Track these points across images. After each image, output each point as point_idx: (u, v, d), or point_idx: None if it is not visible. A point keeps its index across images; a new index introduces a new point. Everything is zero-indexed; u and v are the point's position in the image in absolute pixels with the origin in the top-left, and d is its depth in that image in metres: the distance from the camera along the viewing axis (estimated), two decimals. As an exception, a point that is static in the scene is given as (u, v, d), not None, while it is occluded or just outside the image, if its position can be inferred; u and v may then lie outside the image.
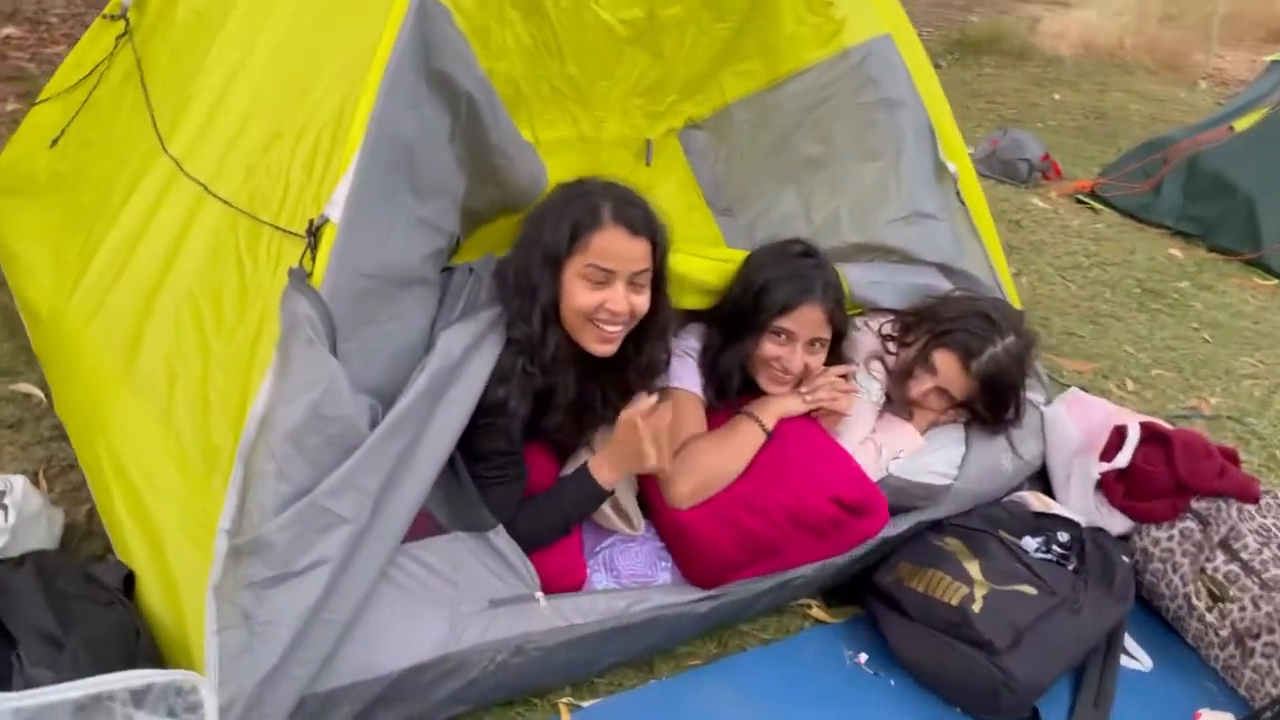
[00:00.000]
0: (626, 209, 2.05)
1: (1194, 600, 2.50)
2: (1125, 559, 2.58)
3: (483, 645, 1.94)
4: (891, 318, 2.61)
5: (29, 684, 1.67)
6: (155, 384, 2.08)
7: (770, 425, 2.31)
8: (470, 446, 2.01)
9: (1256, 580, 2.42)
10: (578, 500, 2.13)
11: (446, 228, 2.06)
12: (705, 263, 2.47)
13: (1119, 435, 2.69)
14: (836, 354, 2.51)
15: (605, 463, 2.13)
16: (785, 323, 2.35)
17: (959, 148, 2.86)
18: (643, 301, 2.10)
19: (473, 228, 2.28)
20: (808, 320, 2.36)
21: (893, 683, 2.32)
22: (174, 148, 2.46)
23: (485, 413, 1.99)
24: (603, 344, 2.09)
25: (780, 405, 2.35)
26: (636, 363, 2.20)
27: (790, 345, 2.37)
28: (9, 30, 4.75)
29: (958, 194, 2.79)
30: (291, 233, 1.97)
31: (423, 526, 1.95)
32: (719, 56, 2.69)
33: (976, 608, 2.27)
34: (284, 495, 1.74)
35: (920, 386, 2.53)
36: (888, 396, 2.62)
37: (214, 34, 2.64)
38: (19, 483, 2.12)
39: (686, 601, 2.20)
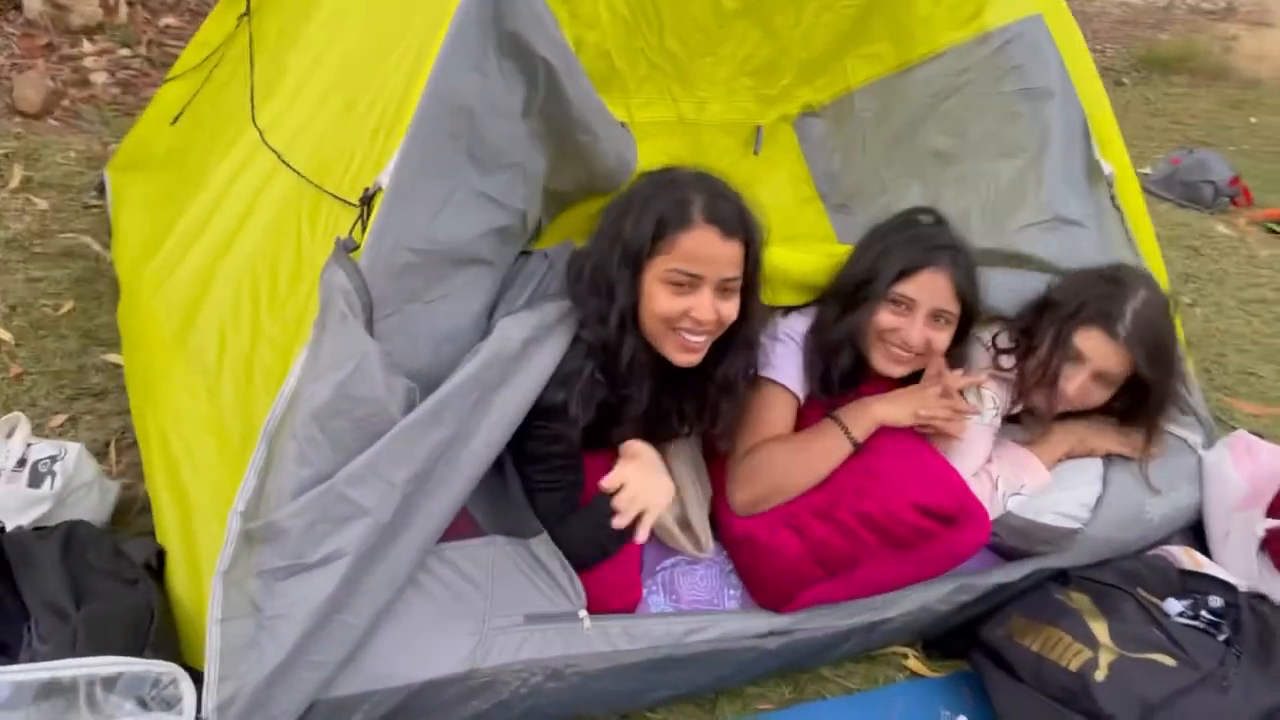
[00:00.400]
0: (720, 206, 1.81)
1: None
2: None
3: (515, 664, 1.75)
4: (1000, 328, 2.28)
5: (34, 658, 1.58)
6: (206, 355, 1.98)
7: (860, 436, 2.02)
8: (521, 446, 1.83)
9: None
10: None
11: (514, 205, 1.88)
12: (811, 257, 2.23)
13: (1291, 486, 2.30)
14: (957, 349, 2.21)
15: None
16: (906, 288, 2.06)
17: (1117, 146, 2.52)
18: (731, 309, 1.85)
19: (557, 211, 2.10)
20: (932, 287, 2.07)
21: (993, 751, 2.02)
22: (261, 120, 2.39)
23: (541, 415, 1.79)
24: (686, 353, 1.86)
25: (877, 413, 2.04)
26: (717, 375, 1.95)
27: (910, 315, 2.08)
28: (169, 20, 4.90)
29: (1112, 198, 2.45)
30: (348, 202, 1.84)
31: (459, 525, 1.77)
32: (842, 37, 2.44)
33: (1100, 675, 1.95)
34: (303, 480, 1.59)
35: (1074, 381, 2.15)
36: (1012, 418, 2.30)
37: (311, 12, 2.57)
38: (74, 450, 2.06)
39: (753, 635, 1.95)
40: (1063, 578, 2.21)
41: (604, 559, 1.89)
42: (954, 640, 2.20)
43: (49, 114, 4.07)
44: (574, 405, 1.78)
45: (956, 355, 2.19)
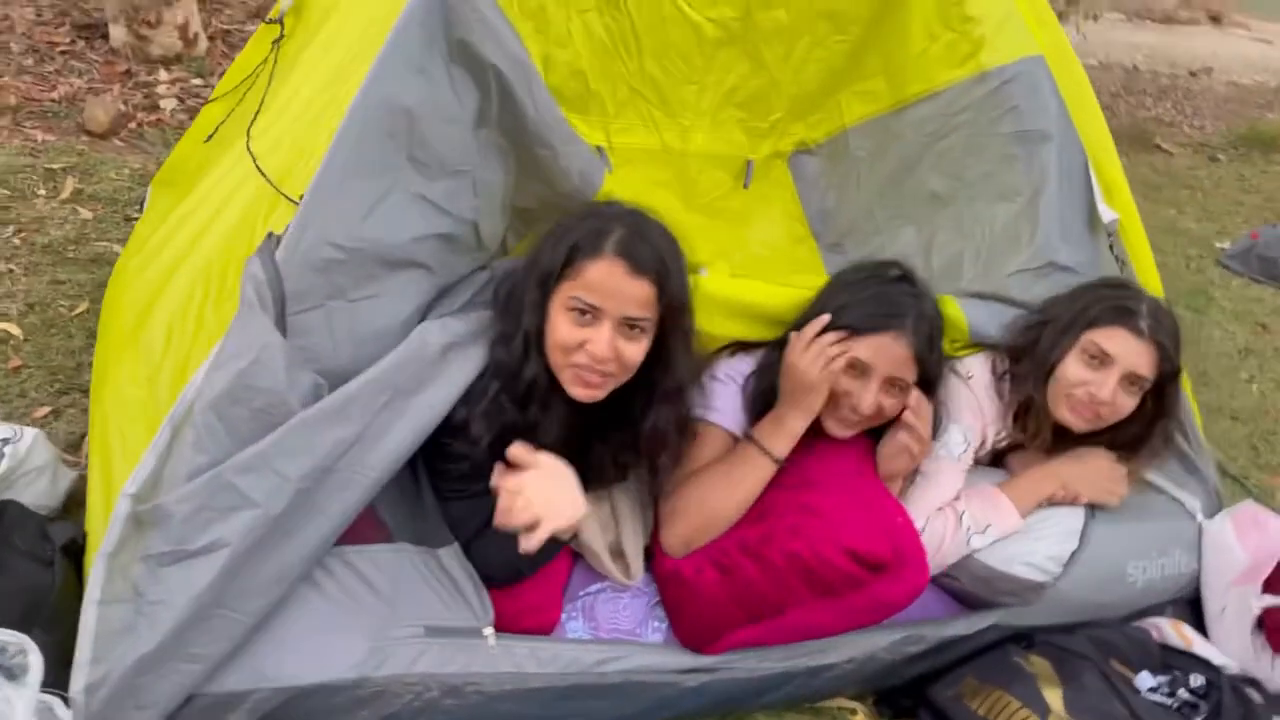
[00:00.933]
0: (636, 242, 1.75)
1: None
2: (1282, 723, 2.01)
3: (409, 676, 1.70)
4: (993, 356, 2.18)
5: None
6: (154, 347, 2.00)
7: (779, 452, 1.92)
8: (430, 457, 1.79)
9: None
10: None
11: (462, 214, 1.85)
12: (785, 291, 2.15)
13: (1290, 562, 2.12)
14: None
15: None
16: (863, 353, 1.97)
17: (1124, 194, 2.40)
18: (634, 351, 1.77)
19: (525, 229, 2.08)
20: (889, 354, 1.96)
21: (930, 819, 1.88)
22: (254, 131, 2.44)
23: (448, 431, 1.75)
24: (581, 388, 1.78)
25: (794, 426, 1.93)
26: (645, 426, 1.87)
27: (864, 380, 1.98)
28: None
29: (1111, 247, 2.33)
30: (291, 200, 1.85)
31: (366, 529, 1.74)
32: (836, 73, 2.41)
33: (1044, 746, 1.80)
34: (198, 466, 1.58)
35: (1105, 388, 2.03)
36: (1001, 454, 2.19)
37: (321, 31, 2.64)
38: (30, 435, 2.10)
39: (671, 669, 1.86)
40: (1027, 640, 2.06)
41: (519, 578, 1.83)
42: (906, 696, 2.07)
43: (115, 134, 4.25)
44: (476, 424, 1.73)
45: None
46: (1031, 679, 1.94)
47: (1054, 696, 1.90)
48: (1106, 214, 2.32)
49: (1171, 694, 1.98)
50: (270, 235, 1.74)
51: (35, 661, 1.42)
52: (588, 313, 1.73)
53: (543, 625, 1.87)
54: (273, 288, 1.64)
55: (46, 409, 2.52)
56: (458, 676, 1.73)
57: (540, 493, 1.67)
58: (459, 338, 1.75)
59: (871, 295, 2.01)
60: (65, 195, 3.66)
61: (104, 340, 2.39)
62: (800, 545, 1.82)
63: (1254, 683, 2.09)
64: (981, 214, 2.31)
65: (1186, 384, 2.49)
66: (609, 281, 1.72)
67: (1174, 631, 2.14)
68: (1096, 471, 2.15)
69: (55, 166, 3.86)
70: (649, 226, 1.79)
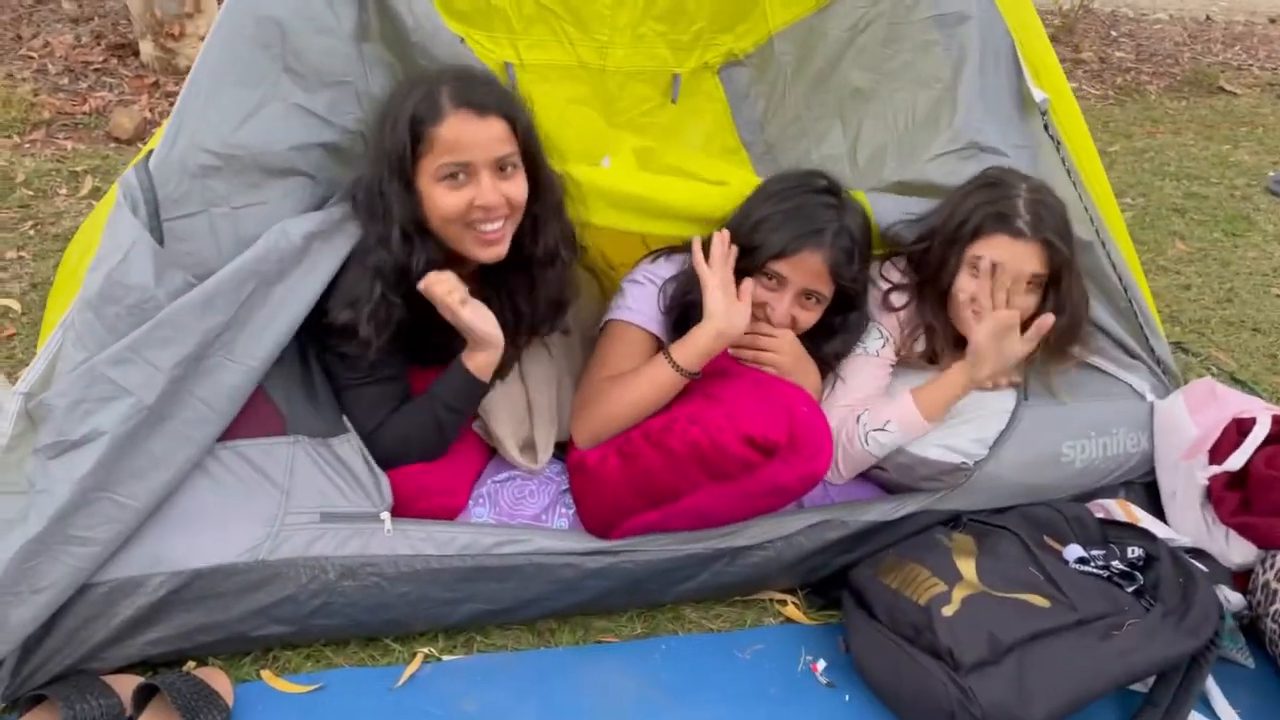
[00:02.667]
0: (469, 87, 1.76)
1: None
2: (1231, 596, 1.92)
3: (304, 559, 1.75)
4: (885, 262, 2.14)
5: None
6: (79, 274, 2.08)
7: (693, 368, 1.90)
8: (325, 354, 1.84)
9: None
10: (449, 393, 1.86)
11: (344, 125, 1.88)
12: (698, 187, 2.13)
13: (1238, 431, 2.02)
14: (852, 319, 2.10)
15: (472, 349, 1.86)
16: (780, 266, 1.96)
17: (1055, 75, 2.34)
18: (517, 187, 1.79)
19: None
20: (806, 268, 1.95)
21: (847, 698, 1.85)
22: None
23: (334, 334, 1.79)
24: (488, 248, 1.80)
25: (706, 344, 1.90)
26: (537, 252, 1.88)
27: (780, 292, 1.98)
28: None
29: (1046, 127, 2.26)
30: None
31: (264, 422, 1.80)
32: (759, -21, 2.40)
33: (948, 610, 1.76)
34: (78, 363, 1.66)
35: (1000, 291, 1.96)
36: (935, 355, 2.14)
37: None
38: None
39: (571, 551, 1.87)
40: (954, 521, 2.01)
41: (425, 459, 1.87)
42: (836, 588, 2.03)
43: (140, 139, 4.46)
44: (364, 327, 1.75)
45: (851, 322, 2.07)
46: (947, 551, 1.89)
47: (967, 566, 1.85)
48: (1037, 94, 2.25)
49: (1106, 566, 1.90)
50: (157, 147, 1.81)
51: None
52: (459, 173, 1.75)
53: (448, 509, 1.90)
54: (145, 192, 1.71)
55: (30, 368, 2.66)
56: (354, 559, 1.77)
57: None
58: (321, 226, 1.78)
59: (793, 208, 1.98)
60: (84, 192, 3.86)
61: (56, 284, 2.51)
62: (698, 432, 1.81)
63: (1200, 554, 1.99)
64: (903, 104, 2.27)
65: (1139, 271, 2.41)
66: (464, 134, 1.73)
67: (1121, 510, 2.06)
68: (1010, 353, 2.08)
69: (79, 169, 4.07)
70: (471, 71, 1.82)
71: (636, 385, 1.91)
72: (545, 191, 1.86)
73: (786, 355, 1.97)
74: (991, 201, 1.98)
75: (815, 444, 1.83)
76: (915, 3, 2.26)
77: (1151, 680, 1.83)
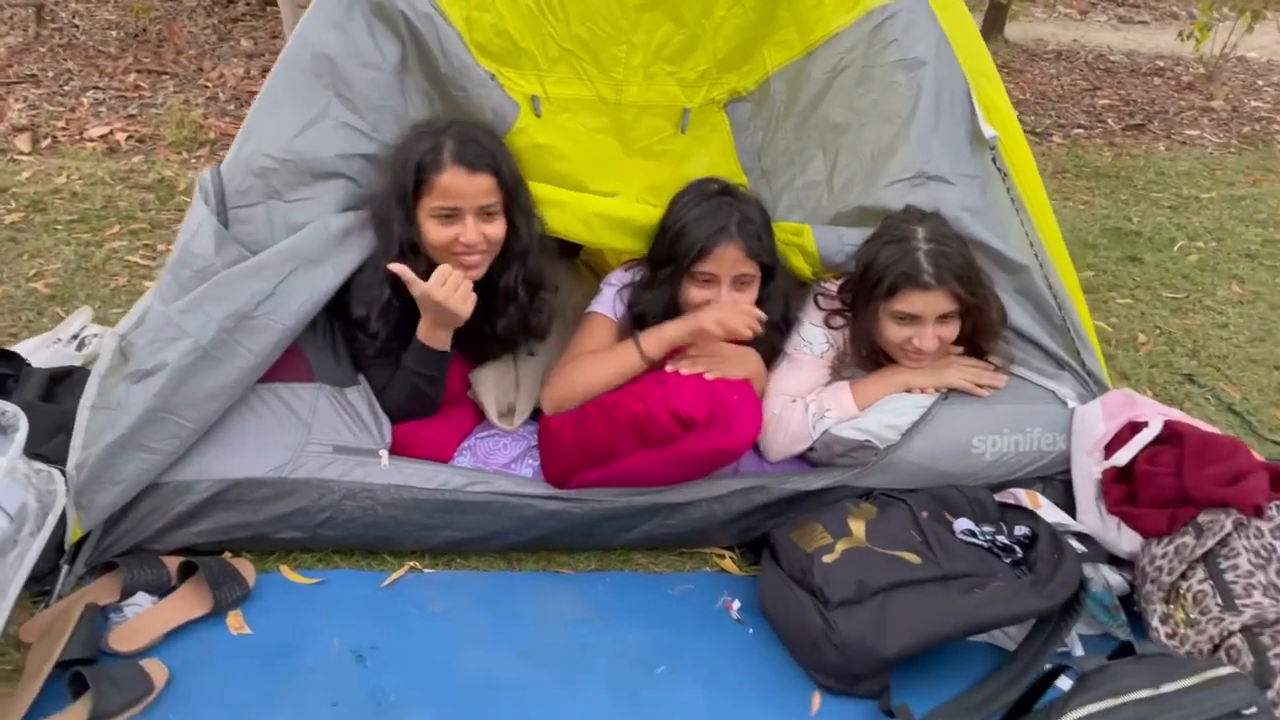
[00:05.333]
0: (466, 148, 2.21)
1: (1154, 623, 2.03)
2: (1112, 577, 2.18)
3: (316, 480, 2.22)
4: (823, 289, 2.50)
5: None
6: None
7: (654, 354, 2.28)
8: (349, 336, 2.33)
9: (1220, 604, 1.91)
10: (417, 363, 2.29)
11: (385, 141, 2.36)
12: (654, 210, 2.53)
13: (1131, 430, 2.26)
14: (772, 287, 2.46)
15: (424, 322, 2.27)
16: (705, 266, 2.34)
17: (1005, 115, 2.62)
18: (495, 229, 2.25)
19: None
20: (727, 260, 2.33)
21: (751, 631, 2.18)
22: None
23: (354, 324, 2.27)
24: (467, 271, 2.25)
25: (668, 333, 2.29)
26: (500, 285, 2.32)
27: (714, 287, 2.36)
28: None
29: (994, 159, 2.55)
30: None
31: (296, 371, 2.28)
32: (756, 28, 2.75)
33: (829, 558, 2.08)
34: (157, 312, 2.18)
35: (925, 340, 2.31)
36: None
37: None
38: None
39: (530, 494, 2.28)
40: (867, 493, 2.32)
41: (423, 414, 2.33)
42: (766, 546, 2.36)
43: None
44: (373, 323, 2.24)
45: (772, 291, 2.43)
46: (845, 513, 2.20)
47: (858, 526, 2.16)
48: (987, 130, 2.55)
49: (991, 540, 2.18)
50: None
51: (23, 425, 2.03)
52: (451, 215, 2.21)
53: (438, 457, 2.36)
54: (215, 186, 2.23)
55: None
56: (356, 484, 2.23)
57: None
58: (354, 224, 2.27)
59: (699, 215, 2.36)
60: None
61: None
62: (639, 406, 2.20)
63: (1085, 538, 2.23)
64: (871, 137, 2.60)
65: (1077, 291, 2.65)
66: (455, 185, 2.20)
67: (1028, 498, 2.32)
68: (945, 367, 2.41)
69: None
70: (473, 130, 2.27)
71: (603, 363, 2.31)
72: (513, 238, 2.30)
73: (727, 359, 2.32)
74: (898, 260, 2.28)
75: (730, 423, 2.18)
76: (884, 48, 2.59)
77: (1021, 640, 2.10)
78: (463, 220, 2.22)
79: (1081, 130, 6.90)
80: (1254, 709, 1.53)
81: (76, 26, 6.84)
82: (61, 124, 5.24)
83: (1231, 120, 7.54)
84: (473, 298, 2.24)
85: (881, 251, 2.30)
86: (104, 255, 3.82)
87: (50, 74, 5.92)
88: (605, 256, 2.85)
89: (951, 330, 2.33)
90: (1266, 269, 4.52)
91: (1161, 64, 9.22)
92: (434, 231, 2.22)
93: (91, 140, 5.07)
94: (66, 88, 5.74)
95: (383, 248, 2.25)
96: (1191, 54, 8.84)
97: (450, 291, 2.19)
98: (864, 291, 2.34)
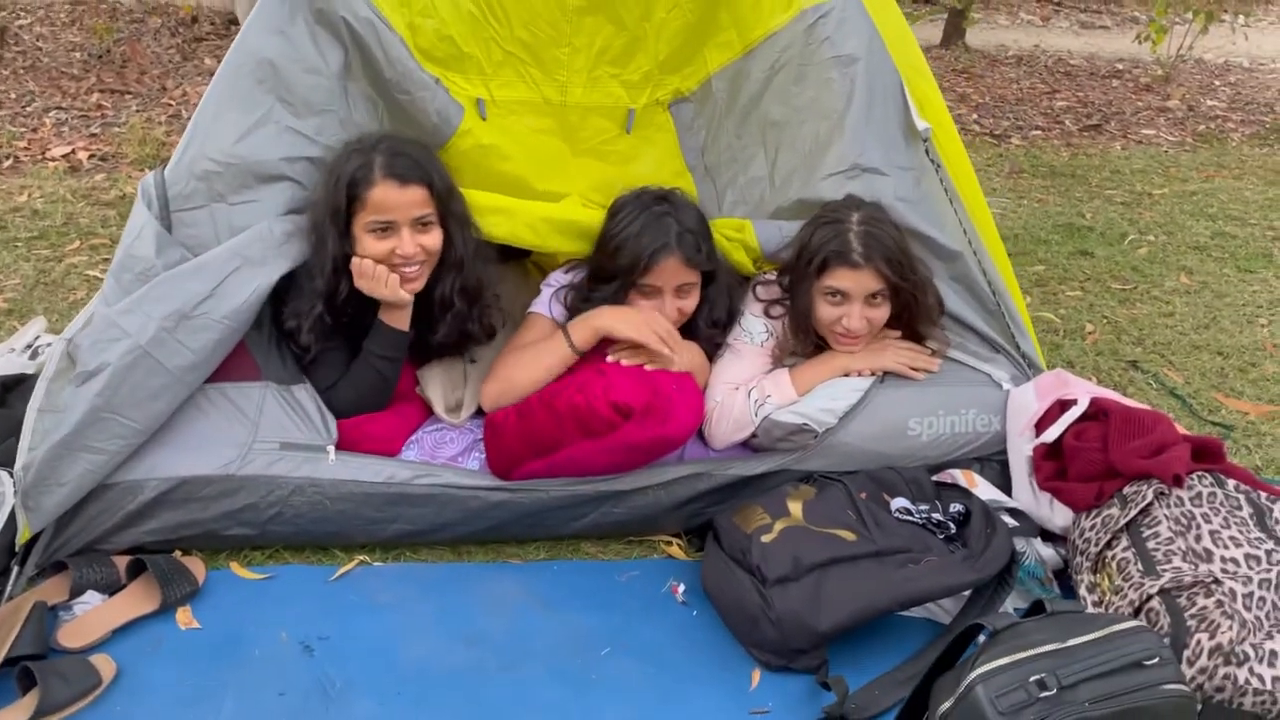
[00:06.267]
0: (396, 161, 2.26)
1: (1082, 592, 2.09)
2: (1044, 551, 2.23)
3: (264, 477, 2.25)
4: (761, 280, 2.57)
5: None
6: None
7: (579, 342, 2.35)
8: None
9: (1140, 570, 1.97)
10: (379, 346, 2.34)
11: (329, 144, 2.40)
12: (599, 213, 2.60)
13: (1060, 408, 2.32)
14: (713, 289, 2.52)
15: (385, 309, 2.34)
16: (649, 279, 2.39)
17: (935, 106, 2.69)
18: (431, 239, 2.30)
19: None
20: (669, 272, 2.39)
21: (695, 613, 2.23)
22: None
23: (286, 334, 2.32)
24: (406, 283, 2.31)
25: (599, 323, 2.35)
26: (435, 295, 2.36)
27: (660, 298, 2.41)
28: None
29: (927, 151, 2.62)
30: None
31: (245, 370, 2.32)
32: (696, 29, 2.82)
33: (767, 538, 2.13)
34: (101, 314, 2.22)
35: (853, 319, 2.38)
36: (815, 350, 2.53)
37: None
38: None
39: (476, 486, 2.32)
40: (808, 476, 2.37)
41: (375, 407, 2.38)
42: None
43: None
44: (304, 335, 2.28)
45: (713, 292, 2.49)
46: (784, 496, 2.25)
47: (796, 507, 2.20)
48: (920, 124, 2.61)
49: (927, 517, 2.23)
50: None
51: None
52: (386, 228, 2.26)
53: (385, 453, 2.39)
54: (158, 190, 2.28)
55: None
56: (304, 480, 2.27)
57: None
58: (297, 228, 2.31)
59: (639, 229, 2.41)
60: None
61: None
62: (580, 398, 2.25)
63: (1018, 514, 2.29)
64: (809, 133, 2.66)
65: (1010, 278, 2.72)
66: (389, 199, 2.25)
67: (964, 478, 2.37)
68: (882, 350, 2.46)
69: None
70: (403, 144, 2.32)
71: (536, 357, 2.37)
72: (448, 248, 2.35)
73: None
74: (829, 240, 2.36)
75: (668, 412, 2.24)
76: (818, 46, 2.65)
77: (955, 613, 2.15)
78: (398, 233, 2.26)
79: (1039, 132, 7.00)
80: (1155, 659, 1.58)
81: (40, 49, 6.86)
82: (24, 144, 5.26)
83: (1187, 119, 7.66)
84: (395, 279, 2.28)
85: (816, 232, 2.38)
86: (63, 270, 3.84)
87: (13, 95, 5.94)
88: (556, 258, 2.89)
89: (881, 313, 2.39)
90: (1214, 260, 4.61)
91: (1120, 67, 9.38)
92: (371, 245, 2.27)
93: (54, 160, 5.09)
94: (29, 108, 5.77)
95: (316, 263, 2.29)
96: (1150, 57, 8.99)
97: (370, 281, 2.25)
98: (799, 272, 2.40)
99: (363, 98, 2.48)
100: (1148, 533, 2.03)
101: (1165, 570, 1.93)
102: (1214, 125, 7.57)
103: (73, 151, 5.19)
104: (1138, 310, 3.97)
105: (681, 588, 2.28)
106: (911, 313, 2.41)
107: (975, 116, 7.25)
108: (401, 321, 2.35)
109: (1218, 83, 9.09)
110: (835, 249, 2.33)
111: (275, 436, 2.29)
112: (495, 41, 2.71)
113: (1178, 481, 2.06)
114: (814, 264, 2.35)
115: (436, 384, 2.49)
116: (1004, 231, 4.56)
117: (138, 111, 5.82)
